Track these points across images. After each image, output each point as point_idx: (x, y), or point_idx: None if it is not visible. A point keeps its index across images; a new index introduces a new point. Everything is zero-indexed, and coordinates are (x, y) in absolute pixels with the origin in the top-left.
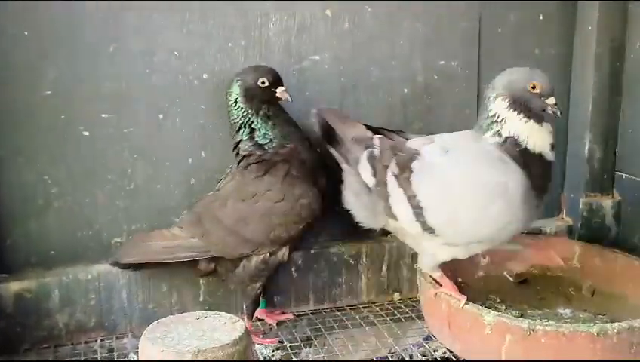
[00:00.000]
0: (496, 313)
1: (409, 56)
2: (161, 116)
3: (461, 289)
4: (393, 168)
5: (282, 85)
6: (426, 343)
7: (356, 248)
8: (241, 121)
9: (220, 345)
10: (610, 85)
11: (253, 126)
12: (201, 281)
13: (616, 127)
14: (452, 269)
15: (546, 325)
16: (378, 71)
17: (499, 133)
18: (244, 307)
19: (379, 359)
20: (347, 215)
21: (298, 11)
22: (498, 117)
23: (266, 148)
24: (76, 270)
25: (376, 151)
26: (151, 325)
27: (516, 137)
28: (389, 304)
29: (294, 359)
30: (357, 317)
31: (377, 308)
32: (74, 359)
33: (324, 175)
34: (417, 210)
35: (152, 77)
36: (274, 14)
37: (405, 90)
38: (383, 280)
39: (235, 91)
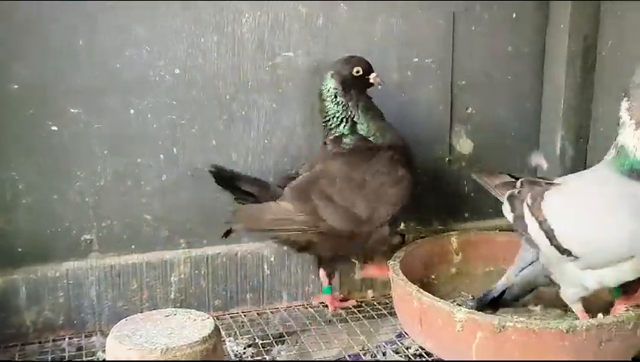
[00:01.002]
0: (468, 310)
1: (384, 53)
2: (132, 111)
3: (433, 286)
4: (528, 200)
5: (373, 72)
6: (399, 340)
7: None
8: (342, 116)
9: (188, 342)
10: (582, 83)
11: (355, 119)
12: (172, 279)
13: (588, 125)
14: (424, 266)
15: (516, 322)
16: None
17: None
18: (324, 268)
19: (351, 356)
20: None
21: (272, 8)
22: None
23: (372, 140)
24: (45, 267)
25: (516, 191)
26: (119, 323)
27: None
28: (362, 301)
29: (266, 356)
30: (329, 314)
31: (350, 306)
32: (41, 357)
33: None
34: (549, 233)
35: (122, 72)
36: (247, 10)
37: (379, 88)
38: (356, 278)
39: (332, 85)
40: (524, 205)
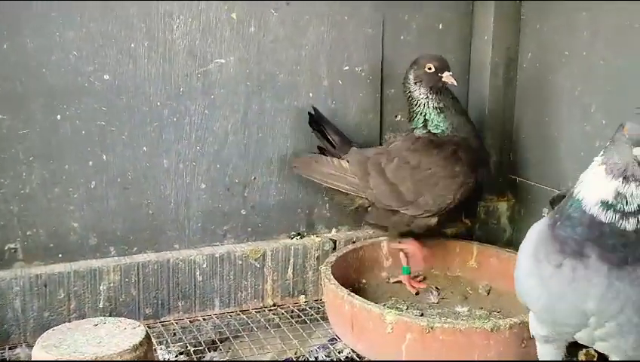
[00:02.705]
0: (397, 312)
1: (314, 61)
2: (58, 117)
3: (364, 290)
4: None
5: (448, 71)
6: (331, 344)
7: (261, 251)
8: (416, 110)
9: (118, 351)
10: (504, 92)
11: (426, 117)
12: (101, 287)
13: (510, 133)
14: (356, 270)
15: (444, 322)
16: (284, 75)
17: None
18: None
19: (284, 361)
20: (254, 215)
21: (203, 13)
22: None
23: (439, 135)
24: None
25: None
26: (45, 333)
27: None
28: (294, 306)
29: None
30: (262, 320)
31: (283, 311)
32: None
33: (484, 167)
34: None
35: (49, 77)
36: (178, 16)
37: (311, 95)
38: (289, 283)
39: (409, 80)
40: None
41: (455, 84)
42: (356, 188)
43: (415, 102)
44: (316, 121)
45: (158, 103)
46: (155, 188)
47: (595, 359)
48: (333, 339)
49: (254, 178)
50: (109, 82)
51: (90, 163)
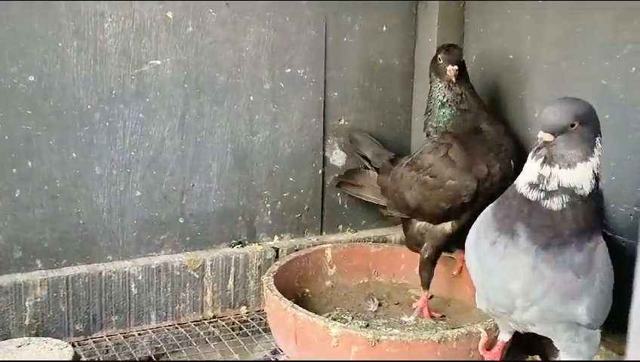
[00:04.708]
0: (342, 325)
1: (255, 63)
2: None
3: (308, 301)
4: None
5: (453, 64)
6: (274, 357)
7: (200, 261)
8: (428, 103)
9: None
10: None
11: (431, 107)
12: (26, 303)
13: None
14: (299, 279)
15: (390, 335)
16: (223, 77)
17: None
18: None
19: None
20: (193, 223)
21: (137, 12)
22: None
23: (436, 131)
24: None
25: None
26: None
27: None
28: (235, 318)
29: None
30: (202, 333)
31: (223, 323)
32: None
33: (495, 161)
34: None
35: None
36: (110, 15)
37: (252, 98)
38: (230, 294)
39: (430, 69)
40: None
41: (453, 79)
42: (377, 197)
43: (430, 92)
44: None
45: (89, 106)
46: (87, 196)
47: None
48: (276, 352)
49: (193, 185)
50: (34, 84)
51: (15, 170)
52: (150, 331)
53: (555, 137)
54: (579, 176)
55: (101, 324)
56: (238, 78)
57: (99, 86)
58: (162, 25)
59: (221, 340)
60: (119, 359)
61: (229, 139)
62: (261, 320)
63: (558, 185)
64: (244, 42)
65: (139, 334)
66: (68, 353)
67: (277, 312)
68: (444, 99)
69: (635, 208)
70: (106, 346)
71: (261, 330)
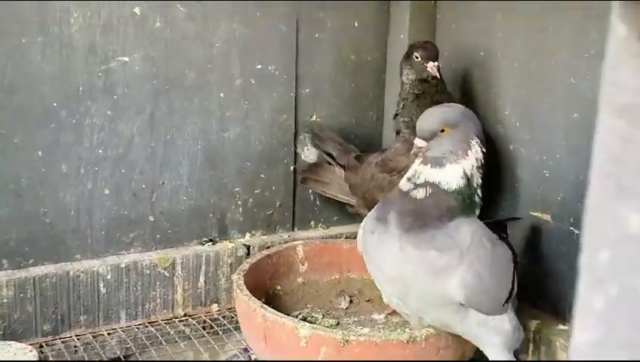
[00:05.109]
0: (312, 325)
1: (226, 59)
2: None
3: (279, 298)
4: None
5: (434, 60)
6: (244, 356)
7: (171, 259)
8: (400, 98)
9: None
10: None
11: (403, 103)
12: None
13: None
14: (270, 276)
15: (359, 335)
16: (194, 74)
17: None
18: None
19: None
20: (163, 221)
21: (103, 8)
22: None
23: (408, 125)
24: None
25: None
26: None
27: None
28: (206, 316)
29: None
30: (172, 332)
31: (194, 321)
32: None
33: None
34: None
35: None
36: (75, 10)
37: (222, 95)
38: (200, 292)
39: (401, 66)
40: None
41: (437, 76)
42: (343, 194)
43: (401, 90)
44: (317, 138)
45: (55, 104)
46: (53, 195)
47: None
48: (247, 350)
49: (162, 182)
50: None
51: None
52: (120, 330)
53: (428, 142)
54: (446, 176)
55: (69, 324)
56: (208, 74)
57: (65, 83)
58: (130, 20)
59: (191, 339)
60: (87, 359)
61: (200, 136)
62: (232, 318)
63: (425, 180)
64: (214, 38)
65: (108, 334)
66: (33, 357)
67: (247, 312)
68: (419, 92)
69: None
70: (75, 346)
71: (232, 328)
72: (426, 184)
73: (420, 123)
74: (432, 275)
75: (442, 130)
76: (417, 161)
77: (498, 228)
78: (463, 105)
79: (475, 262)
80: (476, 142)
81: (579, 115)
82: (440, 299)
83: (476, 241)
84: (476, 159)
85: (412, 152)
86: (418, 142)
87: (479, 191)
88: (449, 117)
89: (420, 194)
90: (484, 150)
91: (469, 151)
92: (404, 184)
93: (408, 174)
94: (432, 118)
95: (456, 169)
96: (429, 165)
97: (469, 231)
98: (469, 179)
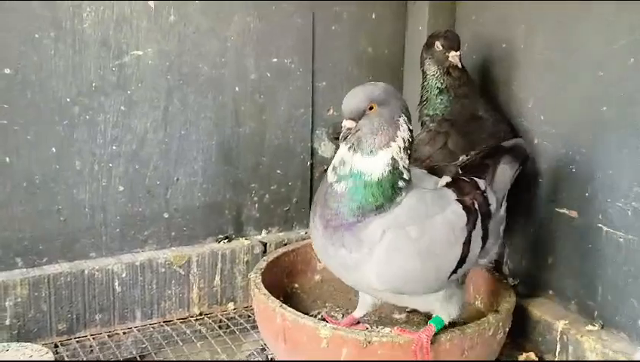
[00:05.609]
0: (333, 326)
1: (240, 53)
2: None
3: (297, 296)
4: None
5: (455, 50)
6: (262, 355)
7: (186, 256)
8: (423, 89)
9: None
10: None
11: (427, 96)
12: (6, 303)
13: None
14: (288, 274)
15: (382, 336)
16: (208, 68)
17: None
18: None
19: None
20: (178, 218)
21: (116, 1)
22: None
23: (433, 119)
24: None
25: None
26: None
27: None
28: (223, 315)
29: None
30: (188, 331)
31: (210, 320)
32: None
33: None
34: None
35: None
36: (88, 4)
37: (237, 89)
38: (216, 290)
39: (422, 57)
40: None
41: (459, 65)
42: None
43: (424, 81)
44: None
45: (68, 99)
46: (67, 192)
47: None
48: (264, 350)
49: (177, 179)
50: (10, 76)
51: None
52: (135, 329)
53: (357, 122)
54: (373, 164)
55: (85, 323)
56: (222, 69)
57: (78, 78)
58: (143, 14)
59: (207, 338)
60: (103, 359)
61: (215, 131)
62: (249, 316)
63: (349, 171)
64: (228, 32)
65: (124, 333)
66: (48, 359)
67: (265, 312)
68: (443, 86)
69: (634, 203)
70: (90, 346)
71: (249, 327)
72: (348, 176)
73: (346, 103)
74: (348, 269)
75: (370, 108)
76: (344, 145)
77: (493, 158)
78: (385, 83)
79: (388, 256)
80: (404, 120)
81: (607, 108)
82: (369, 286)
83: (389, 237)
84: (403, 139)
85: (341, 135)
86: (347, 123)
87: (405, 174)
88: (375, 94)
89: (340, 188)
90: (411, 128)
91: (398, 132)
92: (330, 174)
93: (335, 162)
94: (358, 96)
95: (386, 155)
96: (360, 153)
97: (379, 229)
98: (394, 165)
